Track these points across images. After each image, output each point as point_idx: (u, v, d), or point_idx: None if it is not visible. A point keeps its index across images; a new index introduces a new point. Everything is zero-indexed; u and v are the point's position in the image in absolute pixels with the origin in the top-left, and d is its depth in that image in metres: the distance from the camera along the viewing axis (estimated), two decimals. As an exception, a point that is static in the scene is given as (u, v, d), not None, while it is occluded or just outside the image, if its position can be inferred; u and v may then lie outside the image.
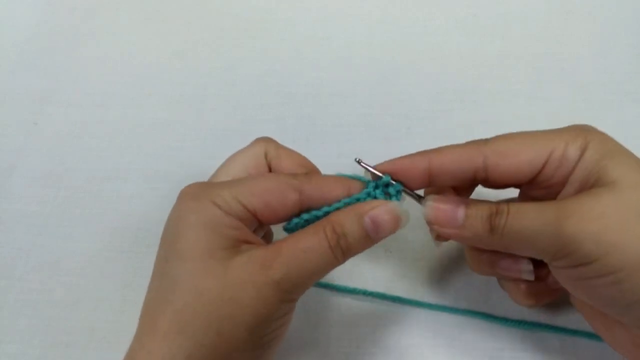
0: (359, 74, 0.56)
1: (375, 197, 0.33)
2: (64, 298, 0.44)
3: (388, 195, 0.33)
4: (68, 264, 0.45)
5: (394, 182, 0.33)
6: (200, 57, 0.58)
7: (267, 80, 0.56)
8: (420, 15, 0.60)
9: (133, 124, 0.54)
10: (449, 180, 0.33)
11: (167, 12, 0.63)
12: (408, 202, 0.34)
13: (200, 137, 0.52)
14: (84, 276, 0.45)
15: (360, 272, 0.43)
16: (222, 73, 0.57)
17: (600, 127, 0.33)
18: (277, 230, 0.38)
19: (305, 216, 0.32)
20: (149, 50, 0.59)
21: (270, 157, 0.35)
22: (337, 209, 0.32)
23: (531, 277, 0.35)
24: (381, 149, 0.50)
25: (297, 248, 0.30)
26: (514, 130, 0.34)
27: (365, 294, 0.41)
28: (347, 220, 0.31)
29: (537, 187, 0.33)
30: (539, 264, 0.34)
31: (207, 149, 0.51)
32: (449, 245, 0.43)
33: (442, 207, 0.32)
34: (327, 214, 0.32)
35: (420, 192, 0.35)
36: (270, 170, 0.35)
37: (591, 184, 0.30)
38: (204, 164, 0.47)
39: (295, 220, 0.33)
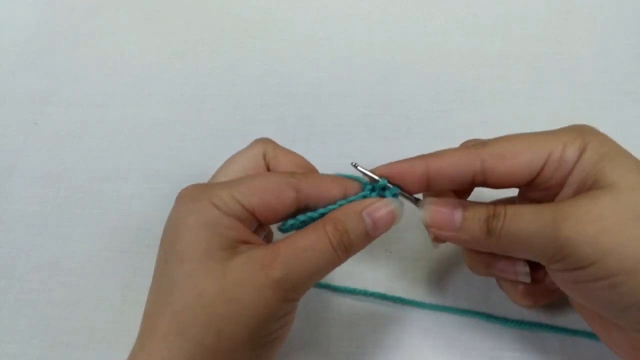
0: (359, 74, 0.56)
1: None
2: (64, 298, 0.44)
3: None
4: (68, 264, 0.45)
5: (390, 186, 0.33)
6: (200, 57, 0.58)
7: (267, 80, 0.56)
8: (420, 15, 0.60)
9: (133, 124, 0.54)
10: (447, 184, 0.33)
11: (167, 12, 0.63)
12: (406, 205, 0.34)
13: (200, 137, 0.52)
14: (84, 276, 0.45)
15: (361, 272, 0.43)
16: (222, 73, 0.57)
17: (600, 127, 0.33)
18: (277, 231, 0.38)
19: (300, 217, 0.32)
20: (149, 50, 0.59)
21: (269, 158, 0.35)
22: (330, 211, 0.32)
23: (527, 280, 0.35)
24: (381, 149, 0.50)
25: (297, 247, 0.30)
26: (514, 131, 0.33)
27: (366, 294, 0.41)
28: (348, 217, 0.31)
29: (535, 189, 0.33)
30: (536, 266, 0.34)
31: (207, 149, 0.51)
32: (449, 245, 0.42)
33: (439, 210, 0.32)
34: (322, 215, 0.32)
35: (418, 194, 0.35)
36: (268, 170, 0.35)
37: (589, 186, 0.30)
38: (204, 164, 0.47)
39: (291, 221, 0.33)
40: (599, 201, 0.28)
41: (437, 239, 0.35)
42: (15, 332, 0.42)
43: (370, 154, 0.49)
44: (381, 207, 0.32)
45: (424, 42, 0.58)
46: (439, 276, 0.43)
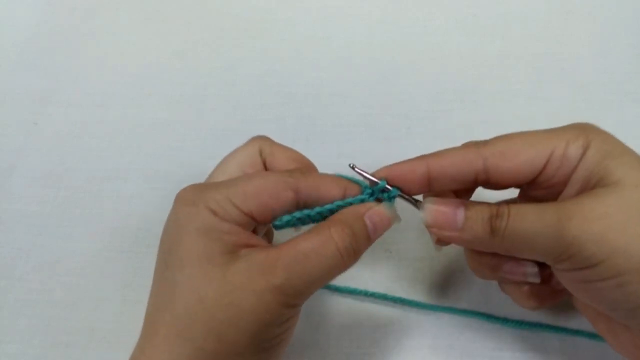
0: (359, 74, 0.56)
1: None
2: (64, 298, 0.44)
3: (380, 201, 0.33)
4: (68, 264, 0.45)
5: (390, 188, 0.33)
6: (200, 57, 0.58)
7: (267, 80, 0.56)
8: (420, 15, 0.60)
9: (133, 124, 0.54)
10: (449, 183, 0.33)
11: (167, 12, 0.63)
12: (406, 205, 0.34)
13: (200, 137, 0.52)
14: (84, 276, 0.45)
15: (361, 272, 0.43)
16: (222, 73, 0.57)
17: (601, 127, 0.33)
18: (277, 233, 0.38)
19: (296, 214, 0.32)
20: (149, 50, 0.59)
21: (265, 154, 0.35)
22: (330, 210, 0.32)
23: (537, 280, 0.34)
24: (381, 149, 0.50)
25: (299, 251, 0.29)
26: (514, 131, 0.33)
27: (366, 294, 0.41)
28: (354, 220, 0.31)
29: (538, 187, 0.33)
30: (542, 266, 0.34)
31: (207, 149, 0.51)
32: (450, 246, 0.42)
33: (441, 210, 0.32)
34: (319, 214, 0.32)
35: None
36: (265, 167, 0.35)
37: (593, 184, 0.30)
38: (204, 164, 0.47)
39: (286, 217, 0.32)
40: (604, 199, 0.28)
41: (440, 242, 0.35)
42: (15, 332, 0.42)
43: (370, 154, 0.49)
44: (380, 211, 0.32)
45: (424, 42, 0.58)
46: (439, 276, 0.43)
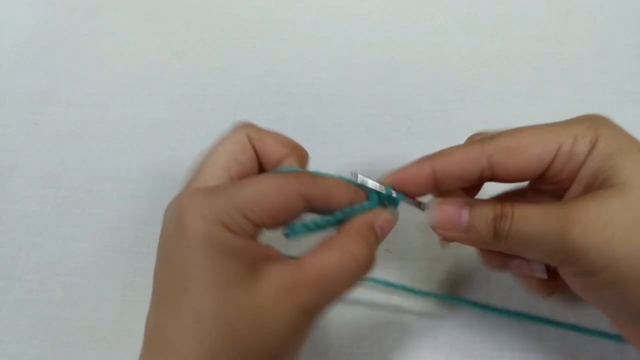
0: (359, 74, 0.56)
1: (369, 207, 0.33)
2: (64, 298, 0.44)
3: (384, 205, 0.33)
4: (68, 264, 0.45)
5: (395, 194, 0.33)
6: (200, 57, 0.58)
7: (267, 80, 0.56)
8: (420, 15, 0.60)
9: (133, 124, 0.54)
10: (455, 183, 0.32)
11: (167, 12, 0.63)
12: (406, 205, 0.34)
13: (200, 137, 0.52)
14: (84, 276, 0.45)
15: (360, 272, 0.43)
16: (222, 73, 0.57)
17: (612, 120, 0.32)
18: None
19: (310, 225, 0.32)
20: (149, 50, 0.59)
21: (254, 140, 0.34)
22: (338, 219, 0.32)
23: (544, 276, 0.34)
24: (381, 149, 0.50)
25: (322, 269, 0.28)
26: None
27: (369, 281, 0.40)
28: (369, 231, 0.31)
29: (546, 182, 0.32)
30: None
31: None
32: (451, 246, 0.43)
33: (445, 210, 0.32)
34: (330, 223, 0.32)
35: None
36: (256, 153, 0.34)
37: (599, 184, 0.29)
38: (204, 164, 0.47)
39: (299, 229, 0.32)
40: (608, 205, 0.27)
41: (446, 239, 0.35)
42: (15, 332, 0.42)
43: (370, 154, 0.49)
44: (388, 217, 0.32)
45: (424, 42, 0.58)
46: (439, 276, 0.43)
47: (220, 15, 0.62)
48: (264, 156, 0.34)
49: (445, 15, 0.60)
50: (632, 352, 0.38)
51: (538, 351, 0.39)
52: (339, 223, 0.32)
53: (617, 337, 0.37)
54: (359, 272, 0.30)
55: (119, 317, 0.42)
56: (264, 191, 0.30)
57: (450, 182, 0.32)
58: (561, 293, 0.36)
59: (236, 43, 0.59)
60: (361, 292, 0.42)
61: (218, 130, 0.52)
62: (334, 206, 0.31)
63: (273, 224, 0.30)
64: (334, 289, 0.29)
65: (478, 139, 0.32)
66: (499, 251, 0.34)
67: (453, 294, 0.42)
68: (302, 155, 0.35)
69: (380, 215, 0.32)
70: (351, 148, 0.50)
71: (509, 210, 0.30)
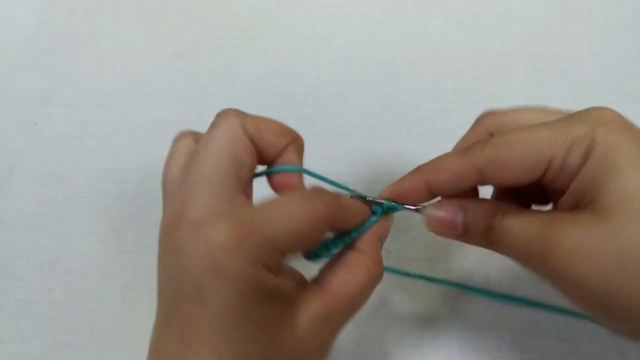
0: (359, 74, 0.56)
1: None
2: (64, 298, 0.44)
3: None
4: (68, 264, 0.45)
5: (395, 205, 0.33)
6: (200, 57, 0.58)
7: (267, 80, 0.56)
8: (420, 15, 0.60)
9: (133, 124, 0.54)
10: (450, 192, 0.32)
11: (167, 12, 0.63)
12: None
13: (200, 137, 0.52)
14: (84, 276, 0.45)
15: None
16: (222, 73, 0.57)
17: (621, 119, 0.31)
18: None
19: (331, 248, 0.32)
20: (149, 50, 0.59)
21: (251, 132, 0.33)
22: (353, 238, 0.32)
23: None
24: (381, 149, 0.50)
25: (349, 291, 0.29)
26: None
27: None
28: (378, 248, 0.32)
29: (543, 185, 0.32)
30: None
31: (207, 149, 0.51)
32: (450, 245, 0.43)
33: (440, 216, 0.32)
34: (345, 242, 0.32)
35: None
36: (253, 143, 0.33)
37: (587, 202, 0.27)
38: (204, 164, 0.47)
39: (323, 253, 0.32)
40: (589, 236, 0.26)
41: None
42: (15, 332, 0.42)
43: (370, 154, 0.49)
44: (388, 227, 0.33)
45: (424, 42, 0.58)
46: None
47: (220, 15, 0.62)
48: (262, 149, 0.33)
49: (445, 15, 0.60)
50: (633, 352, 0.38)
51: (538, 352, 0.39)
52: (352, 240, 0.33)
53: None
54: (374, 286, 0.31)
55: (119, 317, 0.42)
56: (296, 223, 0.28)
57: (445, 191, 0.32)
58: None
59: (236, 43, 0.59)
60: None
61: (218, 130, 0.52)
62: (351, 226, 0.32)
63: (297, 251, 0.30)
64: (356, 308, 0.30)
65: (469, 150, 0.31)
66: None
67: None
68: (300, 145, 0.35)
69: (383, 228, 0.33)
70: (351, 148, 0.50)
71: (500, 220, 0.29)
